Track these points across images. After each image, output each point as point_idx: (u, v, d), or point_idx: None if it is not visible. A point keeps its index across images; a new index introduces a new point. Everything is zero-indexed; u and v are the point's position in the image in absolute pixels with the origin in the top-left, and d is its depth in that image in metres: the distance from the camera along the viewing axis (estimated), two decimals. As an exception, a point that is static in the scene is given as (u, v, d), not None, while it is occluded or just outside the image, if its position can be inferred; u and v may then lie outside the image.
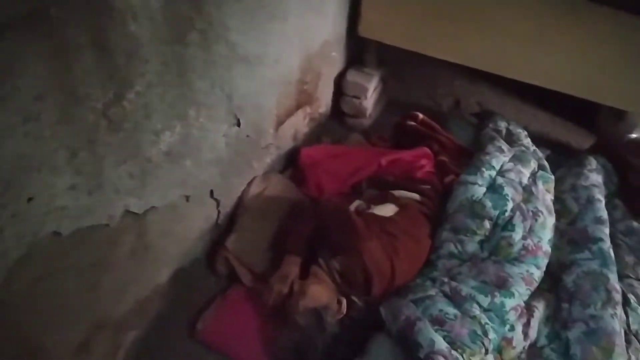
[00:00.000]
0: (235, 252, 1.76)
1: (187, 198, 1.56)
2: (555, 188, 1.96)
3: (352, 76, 2.46)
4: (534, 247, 1.64)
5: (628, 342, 1.52)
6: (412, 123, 2.20)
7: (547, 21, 1.95)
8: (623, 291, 1.62)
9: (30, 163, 0.97)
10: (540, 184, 1.84)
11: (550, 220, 1.73)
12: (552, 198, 1.85)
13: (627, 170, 2.16)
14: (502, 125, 2.23)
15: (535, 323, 1.54)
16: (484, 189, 1.77)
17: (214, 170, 1.65)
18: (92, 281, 1.29)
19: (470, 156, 2.01)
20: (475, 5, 2.04)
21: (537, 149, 2.10)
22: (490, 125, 2.23)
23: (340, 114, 2.57)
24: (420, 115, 2.22)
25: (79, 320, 1.30)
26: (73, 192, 1.10)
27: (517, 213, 1.70)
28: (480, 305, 1.48)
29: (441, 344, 1.38)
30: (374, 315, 1.53)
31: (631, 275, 1.72)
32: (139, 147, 1.26)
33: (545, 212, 1.73)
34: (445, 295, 1.52)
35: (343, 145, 2.30)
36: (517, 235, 1.65)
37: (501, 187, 1.76)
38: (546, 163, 2.00)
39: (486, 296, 1.49)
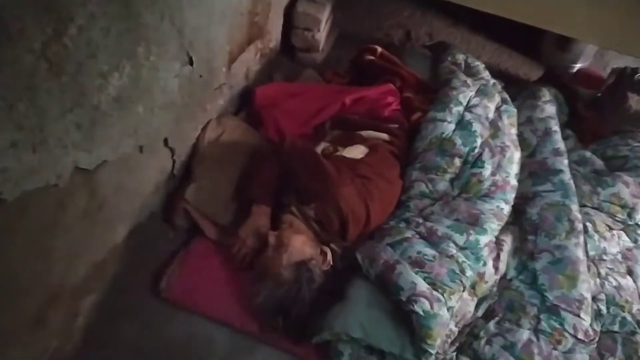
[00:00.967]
0: (195, 204, 1.63)
1: (141, 148, 1.39)
2: (512, 121, 1.97)
3: (303, 6, 2.28)
4: (502, 183, 1.65)
5: (587, 268, 1.60)
6: (371, 57, 2.08)
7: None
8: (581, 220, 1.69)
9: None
10: (505, 118, 1.83)
11: (517, 155, 1.75)
12: (516, 132, 1.86)
13: (576, 100, 2.22)
14: (461, 58, 2.18)
15: (504, 256, 1.58)
16: (453, 126, 1.74)
17: (167, 115, 1.48)
18: (42, 248, 1.13)
19: (432, 91, 1.96)
20: None
21: (496, 82, 2.08)
22: (449, 58, 2.17)
23: (291, 48, 2.40)
24: (379, 49, 2.11)
25: (31, 293, 1.15)
26: (14, 151, 0.92)
27: (486, 149, 1.69)
28: (456, 244, 1.49)
29: (422, 285, 1.38)
30: (350, 260, 1.50)
31: (587, 204, 1.79)
32: (84, 93, 1.07)
33: (512, 146, 1.74)
34: (422, 237, 1.51)
35: (299, 82, 2.15)
36: (487, 171, 1.65)
37: (469, 123, 1.73)
38: (507, 96, 1.99)
39: (462, 235, 1.50)
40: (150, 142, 1.43)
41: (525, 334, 1.45)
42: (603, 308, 1.56)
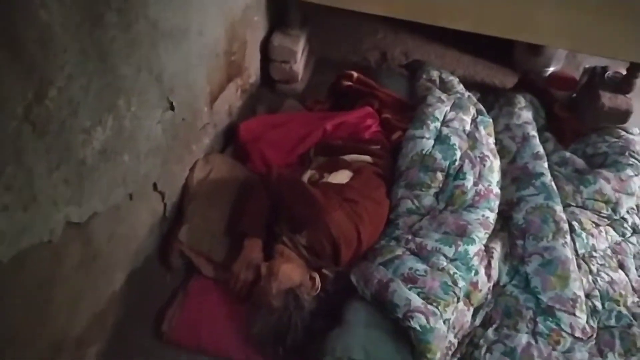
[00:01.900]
0: (190, 243, 1.66)
1: (130, 196, 1.43)
2: (491, 130, 2.02)
3: (278, 40, 2.35)
4: (485, 192, 1.69)
5: (578, 266, 1.63)
6: (348, 83, 2.15)
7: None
8: (567, 219, 1.72)
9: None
10: (482, 128, 1.88)
11: (497, 163, 1.79)
12: (494, 141, 1.91)
13: (552, 102, 2.27)
14: (435, 74, 2.25)
15: (495, 263, 1.61)
16: (431, 142, 1.79)
17: (154, 161, 1.52)
18: (41, 303, 1.16)
19: (410, 109, 2.02)
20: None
21: (470, 94, 2.14)
22: (424, 75, 2.23)
23: (270, 81, 2.47)
24: (355, 74, 2.17)
25: (34, 346, 1.17)
26: (6, 213, 0.96)
27: (466, 161, 1.73)
28: (446, 257, 1.52)
29: (417, 300, 1.40)
30: (345, 283, 1.52)
31: (572, 204, 1.83)
32: (70, 149, 1.12)
33: (490, 155, 1.78)
34: (412, 253, 1.54)
35: (281, 113, 2.21)
36: (469, 182, 1.70)
37: (447, 137, 1.78)
38: (482, 107, 2.05)
39: (450, 246, 1.53)
40: (139, 188, 1.47)
41: (524, 338, 1.47)
42: (598, 304, 1.59)
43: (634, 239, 1.83)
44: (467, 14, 2.03)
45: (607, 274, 1.67)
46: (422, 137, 1.79)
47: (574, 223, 1.75)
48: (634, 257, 1.77)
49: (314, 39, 2.62)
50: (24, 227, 1.02)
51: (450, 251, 1.53)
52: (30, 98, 0.96)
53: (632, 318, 1.56)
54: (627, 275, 1.70)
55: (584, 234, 1.73)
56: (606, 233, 1.80)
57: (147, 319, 1.57)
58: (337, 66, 2.46)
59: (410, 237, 1.61)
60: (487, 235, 1.62)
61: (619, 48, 1.96)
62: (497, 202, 1.71)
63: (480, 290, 1.55)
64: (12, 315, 1.06)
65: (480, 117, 1.95)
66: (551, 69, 2.65)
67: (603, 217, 1.82)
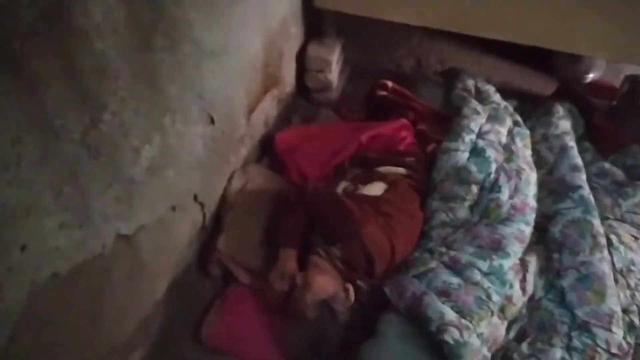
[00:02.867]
0: (227, 252, 1.72)
1: (174, 208, 1.50)
2: (528, 140, 2.00)
3: (314, 50, 2.39)
4: (521, 205, 1.68)
5: (615, 280, 1.60)
6: (383, 93, 2.17)
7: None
8: (605, 233, 1.70)
9: (17, 211, 0.90)
10: (518, 140, 1.87)
11: (533, 176, 1.78)
12: (531, 153, 1.90)
13: (591, 111, 2.23)
14: (471, 83, 2.24)
15: (530, 277, 1.60)
16: (467, 154, 1.80)
17: (195, 174, 1.59)
18: (93, 313, 1.23)
19: (445, 120, 2.02)
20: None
21: (507, 104, 2.13)
22: (459, 85, 2.23)
23: (306, 90, 2.51)
24: (390, 84, 2.19)
25: (84, 354, 1.25)
26: (64, 230, 1.03)
27: (502, 174, 1.73)
28: (480, 271, 1.53)
29: (450, 314, 1.42)
30: (379, 295, 1.55)
31: (610, 217, 1.80)
32: (121, 169, 1.19)
33: (527, 168, 1.78)
34: (446, 266, 1.55)
35: (316, 124, 2.25)
36: (504, 195, 1.69)
37: (483, 150, 1.79)
38: (519, 118, 2.03)
39: (485, 261, 1.54)
40: (182, 200, 1.54)
41: (558, 353, 1.46)
42: (636, 320, 1.56)
43: (675, 254, 1.78)
44: (503, 23, 2.02)
45: (647, 290, 1.64)
46: (457, 150, 1.80)
47: (612, 236, 1.72)
48: (675, 272, 1.73)
49: (349, 48, 2.65)
50: (78, 243, 1.09)
51: (484, 265, 1.53)
52: (87, 123, 1.03)
53: (671, 336, 1.53)
54: (667, 291, 1.66)
55: (622, 248, 1.70)
56: (646, 247, 1.76)
57: (188, 325, 1.64)
58: (372, 74, 2.48)
59: (444, 250, 1.62)
60: (522, 249, 1.62)
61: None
62: (534, 216, 1.71)
63: (515, 304, 1.55)
64: (68, 324, 1.14)
65: (516, 129, 1.94)
66: (591, 77, 2.59)
67: (643, 230, 1.79)
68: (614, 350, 1.46)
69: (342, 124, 2.18)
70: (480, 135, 1.86)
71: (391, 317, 1.52)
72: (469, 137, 1.83)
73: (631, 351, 1.48)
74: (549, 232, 1.70)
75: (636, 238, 1.78)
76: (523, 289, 1.58)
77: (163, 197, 1.42)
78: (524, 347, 1.51)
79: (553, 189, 1.81)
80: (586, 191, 1.76)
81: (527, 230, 1.66)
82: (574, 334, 1.50)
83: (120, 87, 1.12)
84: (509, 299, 1.54)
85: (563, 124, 2.06)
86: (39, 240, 0.97)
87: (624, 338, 1.50)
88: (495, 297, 1.48)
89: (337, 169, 1.94)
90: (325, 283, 1.50)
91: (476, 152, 1.80)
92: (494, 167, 1.75)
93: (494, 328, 1.50)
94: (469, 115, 1.92)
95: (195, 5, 1.37)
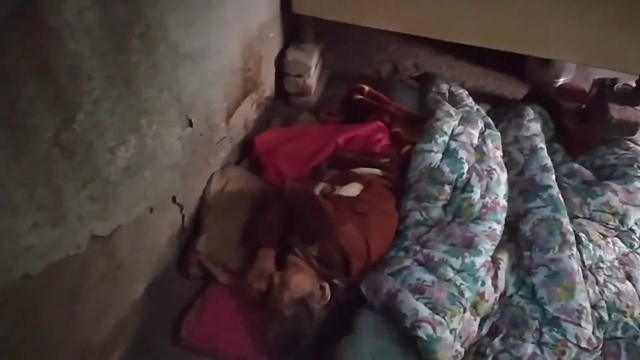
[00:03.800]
0: (207, 253, 1.74)
1: (151, 209, 1.51)
2: (500, 142, 2.06)
3: (293, 55, 2.43)
4: (492, 204, 1.73)
5: (585, 277, 1.66)
6: (359, 96, 2.21)
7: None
8: (574, 231, 1.75)
9: (-11, 209, 0.91)
10: (489, 142, 1.93)
11: (503, 176, 1.83)
12: (501, 154, 1.95)
13: (561, 114, 2.30)
14: (444, 87, 2.30)
15: (502, 274, 1.65)
16: (440, 155, 1.84)
17: (173, 175, 1.60)
18: (69, 313, 1.24)
19: (420, 122, 2.06)
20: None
21: (479, 107, 2.19)
22: (433, 88, 2.28)
23: (285, 94, 2.54)
24: (366, 88, 2.23)
25: (61, 353, 1.26)
26: (37, 230, 1.04)
27: (473, 174, 1.78)
28: (453, 268, 1.56)
29: (424, 311, 1.45)
30: (355, 293, 1.58)
31: (579, 215, 1.86)
32: (96, 169, 1.21)
33: (498, 169, 1.83)
34: (420, 264, 1.59)
35: (295, 126, 2.28)
36: (476, 195, 1.74)
37: (455, 151, 1.83)
38: (490, 120, 2.09)
39: (457, 258, 1.58)
40: (160, 202, 1.56)
41: (529, 348, 1.51)
42: (604, 315, 1.61)
43: (642, 250, 1.84)
44: (476, 29, 2.08)
45: (614, 285, 1.69)
46: (431, 151, 1.84)
47: (581, 234, 1.77)
48: (643, 268, 1.79)
49: (328, 53, 2.69)
50: (52, 243, 1.10)
51: (457, 262, 1.57)
52: (59, 123, 1.04)
53: (638, 329, 1.57)
54: (634, 286, 1.72)
55: (591, 245, 1.76)
56: (614, 244, 1.82)
57: (167, 325, 1.65)
58: (350, 79, 2.52)
59: (418, 248, 1.66)
60: (493, 247, 1.66)
61: (629, 62, 1.99)
62: (504, 215, 1.75)
63: (487, 301, 1.59)
64: (44, 324, 1.14)
65: (488, 131, 1.99)
66: (561, 81, 2.67)
67: (610, 228, 1.85)
68: (583, 344, 1.51)
69: (320, 127, 2.22)
70: (453, 137, 1.91)
71: (367, 313, 1.55)
72: (442, 139, 1.88)
73: (600, 345, 1.53)
74: (520, 231, 1.75)
75: (604, 236, 1.84)
76: (495, 286, 1.62)
77: (140, 198, 1.43)
78: (497, 342, 1.55)
79: (524, 188, 1.86)
80: (555, 191, 1.81)
81: (498, 228, 1.70)
82: (544, 329, 1.54)
83: (95, 88, 1.13)
84: (481, 295, 1.58)
85: (533, 126, 2.12)
86: (10, 240, 0.97)
87: (593, 333, 1.54)
88: (468, 294, 1.52)
89: (315, 170, 1.97)
90: (302, 282, 1.53)
91: (449, 153, 1.84)
92: (466, 167, 1.80)
93: (467, 324, 1.54)
94: (442, 117, 1.97)
95: (172, 9, 1.39)
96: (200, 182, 1.84)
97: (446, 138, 1.89)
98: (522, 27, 2.02)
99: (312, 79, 2.51)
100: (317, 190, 1.83)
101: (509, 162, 1.99)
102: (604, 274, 1.73)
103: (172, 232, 1.71)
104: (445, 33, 2.15)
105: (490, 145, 1.91)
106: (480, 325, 1.58)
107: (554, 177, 1.88)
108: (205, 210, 1.83)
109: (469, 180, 1.77)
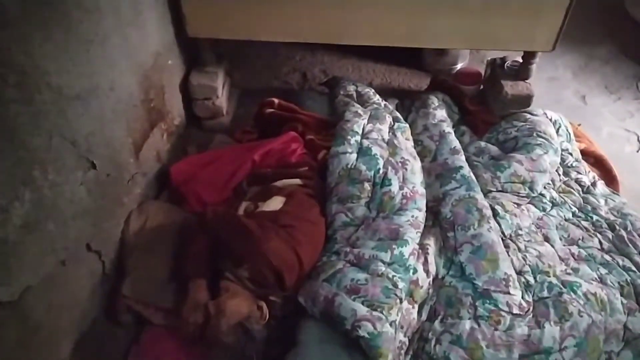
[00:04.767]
0: (135, 296, 1.66)
1: (63, 262, 1.42)
2: (411, 132, 2.14)
3: (196, 79, 2.39)
4: (411, 194, 1.79)
5: (506, 246, 1.75)
6: (270, 110, 2.21)
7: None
8: (490, 205, 1.85)
9: None
10: (399, 135, 1.99)
11: (417, 165, 1.90)
12: (412, 144, 2.03)
13: (463, 97, 2.43)
14: (352, 89, 2.36)
15: (431, 259, 1.70)
16: (355, 155, 1.88)
17: (83, 222, 1.52)
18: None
19: (332, 127, 2.10)
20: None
21: (387, 103, 2.26)
22: (341, 92, 2.34)
23: (197, 119, 2.50)
24: (276, 100, 2.24)
25: None
26: None
27: (389, 168, 1.83)
28: (383, 262, 1.60)
29: (362, 309, 1.47)
30: (294, 305, 1.57)
31: (492, 189, 1.97)
32: (-13, 232, 1.12)
33: (411, 159, 1.89)
34: (352, 264, 1.61)
35: (210, 150, 2.24)
36: (395, 187, 1.79)
37: (369, 148, 1.88)
38: (398, 114, 2.17)
39: (386, 252, 1.61)
40: (71, 253, 1.47)
41: (467, 324, 1.56)
42: (530, 279, 1.70)
43: (554, 212, 1.97)
44: (370, 31, 2.16)
45: (535, 249, 1.80)
46: (345, 153, 1.88)
47: (497, 207, 1.87)
48: (557, 228, 1.92)
49: (234, 71, 2.68)
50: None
51: (386, 256, 1.61)
52: None
53: (561, 286, 1.68)
54: (552, 246, 1.84)
55: (507, 216, 1.86)
56: (528, 211, 1.94)
57: (104, 381, 1.56)
58: (261, 94, 2.51)
59: (348, 249, 1.68)
60: (419, 235, 1.71)
61: (507, 41, 2.14)
62: (424, 201, 1.82)
63: (422, 287, 1.63)
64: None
65: (397, 124, 2.06)
66: (458, 67, 2.83)
67: (522, 196, 1.97)
68: (515, 310, 1.58)
69: (234, 146, 2.19)
70: (364, 135, 1.96)
71: (309, 324, 1.54)
72: (354, 139, 1.92)
73: (531, 308, 1.62)
74: (441, 214, 1.83)
75: (518, 205, 1.96)
76: (427, 271, 1.67)
77: (47, 254, 1.34)
78: (437, 324, 1.60)
79: (438, 173, 1.94)
80: (467, 170, 1.91)
81: (420, 215, 1.76)
82: (477, 303, 1.61)
83: (-28, 148, 1.05)
84: (414, 283, 1.62)
85: (439, 113, 2.22)
86: None
87: (523, 297, 1.63)
88: (401, 284, 1.56)
89: (236, 191, 1.94)
90: (238, 305, 1.50)
91: (362, 151, 1.89)
92: (381, 163, 1.85)
93: (406, 313, 1.57)
94: (351, 118, 2.01)
95: (48, 54, 1.31)
96: (116, 224, 1.76)
97: (358, 138, 1.94)
98: (411, 23, 2.12)
99: (222, 100, 2.48)
100: (241, 210, 1.80)
101: (422, 151, 2.07)
102: (524, 240, 1.84)
103: (93, 281, 1.62)
104: (340, 37, 2.22)
105: (401, 138, 1.98)
106: (420, 312, 1.63)
107: (463, 157, 1.98)
108: (127, 252, 1.75)
109: (385, 174, 1.82)
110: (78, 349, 1.53)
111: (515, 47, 2.23)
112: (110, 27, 1.66)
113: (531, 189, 1.97)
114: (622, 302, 1.63)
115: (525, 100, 2.32)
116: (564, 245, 1.85)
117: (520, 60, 2.38)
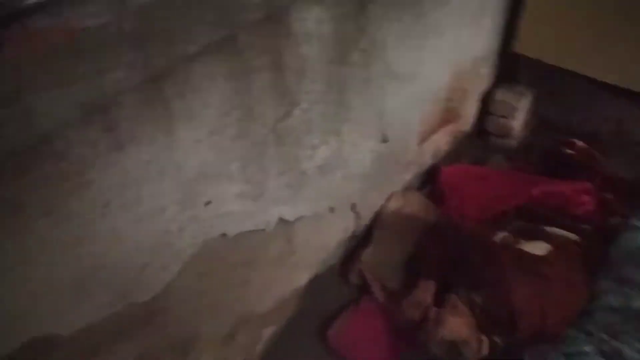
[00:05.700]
0: (370, 266, 1.78)
1: (332, 209, 1.61)
2: None
3: (501, 94, 2.33)
4: None
5: None
6: (569, 151, 2.01)
7: None
8: None
9: (211, 171, 1.07)
10: None
11: None
12: None
13: None
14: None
15: None
16: (656, 237, 1.57)
17: (358, 184, 1.68)
18: (243, 279, 1.39)
19: (636, 191, 1.79)
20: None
21: None
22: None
23: (484, 132, 2.45)
24: (579, 143, 2.03)
25: (229, 313, 1.41)
26: (240, 199, 1.19)
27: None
28: (645, 371, 1.31)
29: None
30: (514, 358, 1.44)
31: None
32: (297, 160, 1.33)
33: None
34: (604, 356, 1.37)
35: (485, 166, 2.19)
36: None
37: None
38: None
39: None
40: (341, 205, 1.64)
41: None
42: None
43: None
44: None
45: None
46: (645, 230, 1.58)
47: None
48: None
49: (542, 100, 2.52)
50: (249, 214, 1.25)
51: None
52: (281, 114, 1.19)
53: None
54: None
55: None
56: None
57: (318, 320, 1.71)
58: (560, 131, 2.32)
59: (606, 337, 1.42)
60: None
61: None
62: None
63: None
64: (222, 283, 1.30)
65: None
66: None
67: None
68: None
69: (513, 172, 2.08)
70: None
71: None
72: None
73: None
74: None
75: None
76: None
77: (326, 197, 1.53)
78: None
79: None
80: None
81: None
82: None
83: (314, 90, 1.25)
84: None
85: None
86: (219, 201, 1.14)
87: None
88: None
89: (497, 216, 1.84)
90: (459, 326, 1.45)
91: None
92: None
93: None
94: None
95: (393, 31, 1.46)
96: (379, 197, 1.89)
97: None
98: None
99: (517, 122, 2.37)
100: (498, 238, 1.71)
101: None
102: None
103: (343, 236, 1.79)
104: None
105: None
106: None
107: None
108: (378, 225, 1.87)
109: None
110: (310, 284, 1.72)
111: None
112: (450, 23, 1.74)
113: None
114: None
115: None
116: None
117: None
